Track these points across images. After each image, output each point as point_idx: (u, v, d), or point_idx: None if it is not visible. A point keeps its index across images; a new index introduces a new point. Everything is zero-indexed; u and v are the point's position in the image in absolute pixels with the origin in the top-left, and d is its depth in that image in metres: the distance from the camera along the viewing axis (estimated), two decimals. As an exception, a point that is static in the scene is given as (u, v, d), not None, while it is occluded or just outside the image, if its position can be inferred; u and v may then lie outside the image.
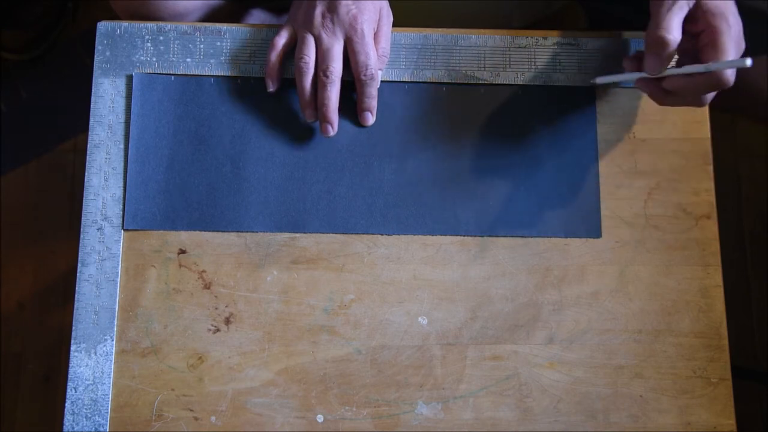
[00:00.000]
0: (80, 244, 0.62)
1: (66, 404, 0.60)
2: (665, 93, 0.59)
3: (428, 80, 0.66)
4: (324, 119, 0.62)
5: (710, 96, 0.59)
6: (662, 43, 0.55)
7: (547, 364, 0.62)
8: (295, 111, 0.65)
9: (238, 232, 0.63)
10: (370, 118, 0.64)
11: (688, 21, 0.57)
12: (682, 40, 0.56)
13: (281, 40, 0.62)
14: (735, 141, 1.27)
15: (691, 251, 0.64)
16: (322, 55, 0.60)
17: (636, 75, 0.61)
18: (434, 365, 0.62)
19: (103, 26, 0.65)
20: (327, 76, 0.60)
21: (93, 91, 0.64)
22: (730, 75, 0.55)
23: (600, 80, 0.64)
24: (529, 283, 0.63)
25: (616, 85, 0.66)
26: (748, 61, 0.54)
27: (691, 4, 0.56)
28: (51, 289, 1.19)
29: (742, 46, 0.57)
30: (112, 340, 0.61)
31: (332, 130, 0.62)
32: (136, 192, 0.63)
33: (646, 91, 0.61)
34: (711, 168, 0.66)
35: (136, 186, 0.63)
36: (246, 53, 0.65)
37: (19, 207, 1.22)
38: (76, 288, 0.62)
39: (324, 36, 0.60)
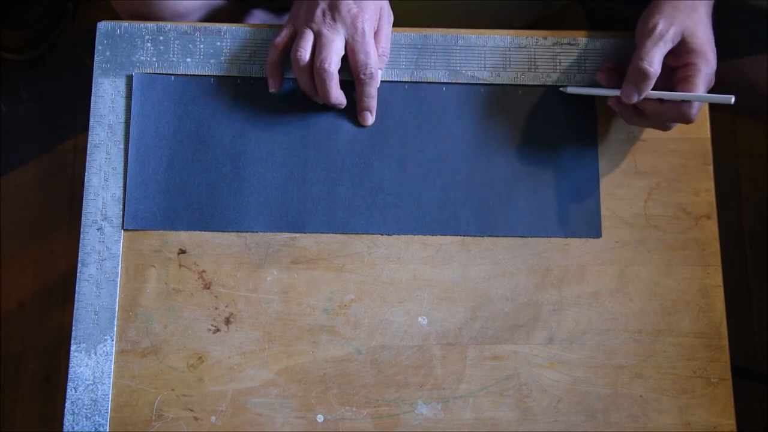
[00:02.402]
0: (80, 244, 0.62)
1: (66, 404, 0.60)
2: (636, 113, 0.62)
3: (428, 80, 0.66)
4: (331, 104, 0.63)
5: (674, 124, 0.63)
6: (643, 75, 0.59)
7: (547, 364, 0.62)
8: (295, 111, 0.65)
9: (238, 232, 0.63)
10: (370, 118, 0.64)
11: (670, 55, 0.60)
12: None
13: (282, 40, 0.62)
14: (735, 141, 1.27)
15: (691, 251, 0.64)
16: (320, 48, 0.60)
17: (609, 92, 0.63)
18: (434, 365, 0.62)
19: (103, 26, 0.65)
20: (324, 69, 0.60)
21: (93, 91, 0.64)
22: (695, 112, 0.59)
23: (571, 90, 0.65)
24: (529, 283, 0.63)
25: (587, 97, 0.66)
26: (732, 99, 0.58)
27: (677, 41, 0.59)
28: (51, 289, 1.19)
29: (712, 82, 0.61)
30: (112, 340, 0.61)
31: (342, 106, 0.64)
32: (136, 192, 0.63)
33: (617, 109, 0.63)
34: (711, 168, 0.66)
35: (136, 186, 0.63)
36: (246, 53, 0.65)
37: (19, 207, 1.22)
38: (76, 288, 0.62)
39: (324, 32, 0.60)
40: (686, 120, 0.60)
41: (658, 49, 0.59)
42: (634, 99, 0.60)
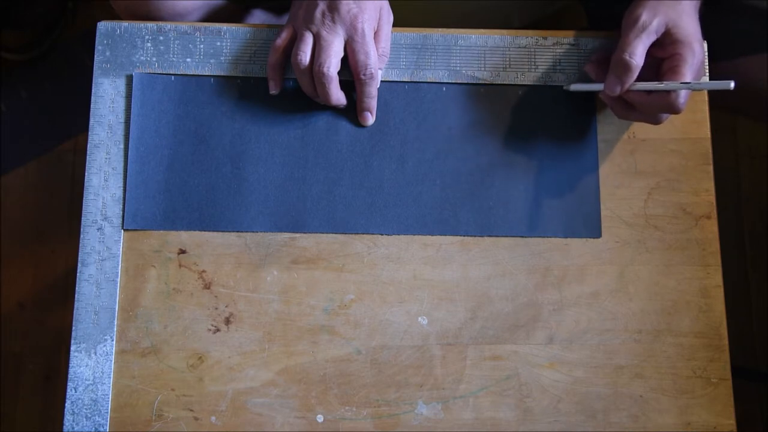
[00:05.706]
0: (80, 244, 0.62)
1: (66, 404, 0.60)
2: (626, 107, 0.62)
3: (428, 80, 0.66)
4: (332, 105, 0.64)
5: (665, 116, 0.62)
6: (625, 67, 0.58)
7: (547, 364, 0.62)
8: (295, 111, 0.65)
9: (238, 232, 0.63)
10: (370, 118, 0.64)
11: (656, 46, 0.60)
12: (645, 62, 0.59)
13: (282, 42, 0.62)
14: (735, 141, 1.27)
15: (691, 251, 0.64)
16: (319, 51, 0.60)
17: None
18: (434, 365, 0.62)
19: (103, 26, 0.65)
20: (323, 73, 0.60)
21: (93, 91, 0.64)
22: (682, 102, 0.58)
23: (574, 87, 0.65)
24: (529, 283, 0.63)
25: (588, 92, 0.66)
26: (731, 84, 0.57)
27: (661, 32, 0.59)
28: (51, 289, 1.19)
29: (701, 73, 0.61)
30: (112, 340, 0.61)
31: (343, 106, 0.64)
32: (136, 192, 0.63)
33: (608, 103, 0.63)
34: (711, 168, 0.66)
35: (136, 186, 0.63)
36: (246, 53, 0.65)
37: (19, 207, 1.22)
38: (76, 288, 0.62)
39: (324, 33, 0.60)
40: (674, 110, 0.59)
41: (640, 41, 0.58)
42: (617, 91, 0.60)
